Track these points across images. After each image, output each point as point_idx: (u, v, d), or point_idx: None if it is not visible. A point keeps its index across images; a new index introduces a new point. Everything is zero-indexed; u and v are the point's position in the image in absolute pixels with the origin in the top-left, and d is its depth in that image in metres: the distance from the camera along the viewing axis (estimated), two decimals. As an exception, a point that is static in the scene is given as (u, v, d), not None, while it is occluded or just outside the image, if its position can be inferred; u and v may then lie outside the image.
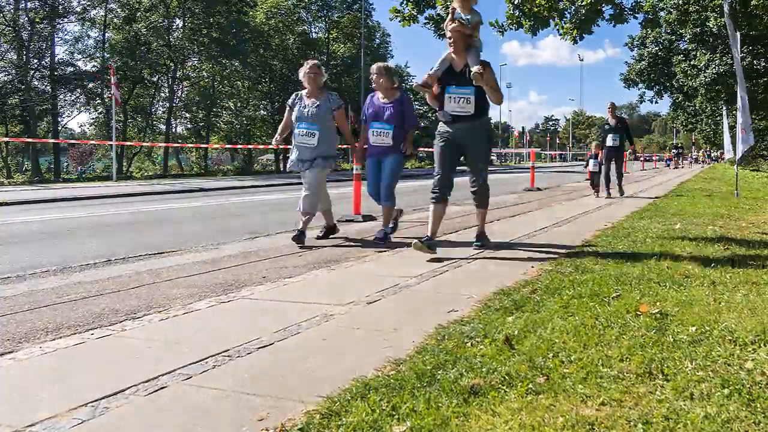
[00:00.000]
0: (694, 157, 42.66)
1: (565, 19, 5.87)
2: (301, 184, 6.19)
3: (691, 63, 26.44)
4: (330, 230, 6.41)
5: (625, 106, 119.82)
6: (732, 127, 25.82)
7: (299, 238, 5.74)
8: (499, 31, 6.19)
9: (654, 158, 52.30)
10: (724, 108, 27.48)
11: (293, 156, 6.12)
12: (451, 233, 6.56)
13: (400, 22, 5.90)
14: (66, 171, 29.34)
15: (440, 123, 5.05)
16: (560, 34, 6.09)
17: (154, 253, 5.53)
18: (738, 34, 9.48)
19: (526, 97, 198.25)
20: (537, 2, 5.66)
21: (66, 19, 29.35)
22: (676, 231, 6.11)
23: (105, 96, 28.71)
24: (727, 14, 9.27)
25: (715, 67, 24.31)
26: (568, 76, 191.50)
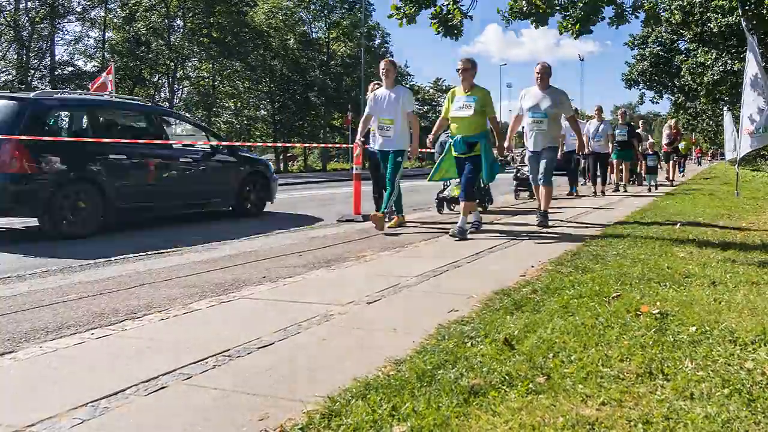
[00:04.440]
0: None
1: (567, 15, 5.87)
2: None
3: (697, 60, 26.35)
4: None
5: (625, 106, 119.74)
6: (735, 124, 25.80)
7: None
8: (504, 20, 6.19)
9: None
10: (726, 109, 27.48)
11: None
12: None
13: (398, 20, 5.87)
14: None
15: None
16: (558, 28, 6.11)
17: (154, 253, 5.53)
18: (755, 37, 9.44)
19: (518, 94, 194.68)
20: None
21: (66, 19, 29.37)
22: (676, 231, 6.11)
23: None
24: (742, 16, 9.25)
25: (722, 65, 24.24)
26: (553, 70, 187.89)
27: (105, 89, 21.14)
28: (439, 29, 5.91)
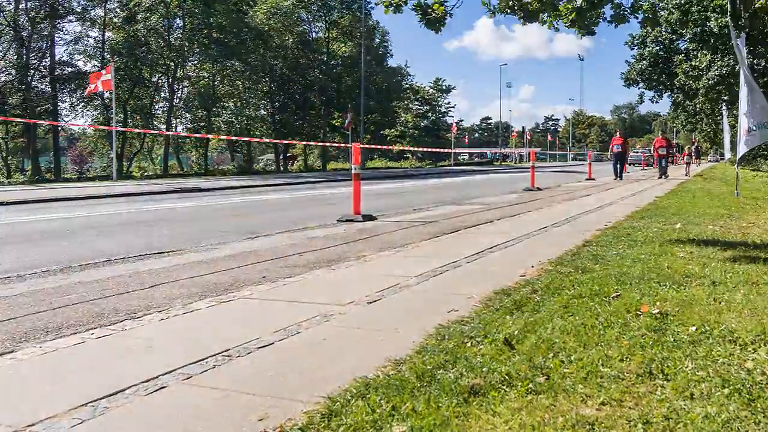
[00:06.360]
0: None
1: (557, 13, 5.81)
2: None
3: (692, 64, 26.42)
4: None
5: (625, 106, 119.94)
6: (732, 127, 25.83)
7: None
8: (489, 12, 6.10)
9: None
10: (725, 108, 27.46)
11: None
12: (451, 233, 6.56)
13: (385, 8, 5.85)
14: (66, 171, 29.36)
15: None
16: (555, 27, 6.02)
17: (154, 253, 5.53)
18: (742, 34, 9.45)
19: (516, 93, 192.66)
20: None
21: (66, 19, 29.35)
22: (676, 231, 6.11)
23: (105, 96, 28.73)
24: (730, 14, 9.24)
25: (717, 69, 24.27)
26: (550, 68, 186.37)
27: (108, 87, 21.13)
28: (422, 20, 5.85)
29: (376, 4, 6.03)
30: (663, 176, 20.34)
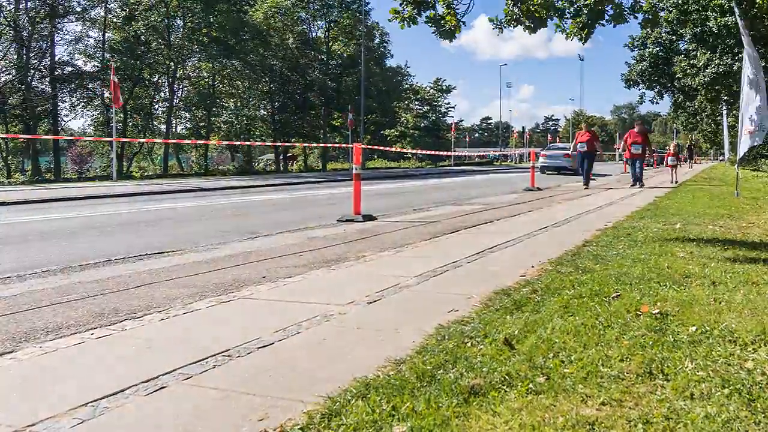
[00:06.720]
0: None
1: (565, 18, 5.88)
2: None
3: (691, 62, 26.49)
4: None
5: (625, 106, 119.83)
6: (732, 127, 25.83)
7: None
8: (498, 28, 6.18)
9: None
10: (725, 108, 27.46)
11: None
12: (451, 233, 6.56)
13: (399, 23, 5.91)
14: (66, 171, 29.34)
15: None
16: (566, 35, 6.08)
17: (154, 253, 5.53)
18: (749, 35, 9.47)
19: (516, 93, 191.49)
20: (534, 1, 5.68)
21: (66, 19, 29.34)
22: (676, 231, 6.11)
23: (105, 96, 28.75)
24: (737, 15, 9.27)
25: (714, 67, 24.30)
26: (550, 68, 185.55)
27: (117, 92, 21.27)
28: (436, 32, 5.94)
29: (390, 20, 6.08)
30: (637, 183, 15.31)
